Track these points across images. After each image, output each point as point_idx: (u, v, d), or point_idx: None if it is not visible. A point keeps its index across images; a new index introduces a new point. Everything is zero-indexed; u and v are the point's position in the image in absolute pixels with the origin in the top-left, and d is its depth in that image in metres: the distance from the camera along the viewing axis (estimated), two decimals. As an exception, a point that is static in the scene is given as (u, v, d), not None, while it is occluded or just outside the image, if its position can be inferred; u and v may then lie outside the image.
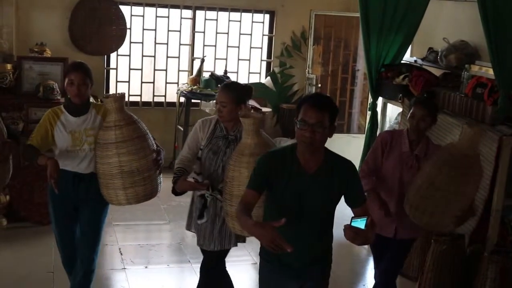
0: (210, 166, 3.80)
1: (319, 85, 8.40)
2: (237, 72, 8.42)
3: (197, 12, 8.17)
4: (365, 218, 2.80)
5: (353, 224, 2.77)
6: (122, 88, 7.98)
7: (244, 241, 3.93)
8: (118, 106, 3.73)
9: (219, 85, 7.86)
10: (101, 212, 4.03)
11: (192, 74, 8.04)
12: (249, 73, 8.52)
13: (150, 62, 8.14)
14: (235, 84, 4.04)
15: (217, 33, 8.27)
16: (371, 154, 4.11)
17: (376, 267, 4.27)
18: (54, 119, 3.85)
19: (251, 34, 8.42)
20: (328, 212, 3.13)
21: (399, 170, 3.98)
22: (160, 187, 3.96)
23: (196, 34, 8.24)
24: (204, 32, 8.23)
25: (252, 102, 7.48)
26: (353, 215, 2.92)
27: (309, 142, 2.90)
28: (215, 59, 8.31)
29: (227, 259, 3.99)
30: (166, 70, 8.17)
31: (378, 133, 6.34)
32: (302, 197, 3.00)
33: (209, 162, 3.80)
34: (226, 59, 8.35)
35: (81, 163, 3.87)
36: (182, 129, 7.67)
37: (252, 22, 8.39)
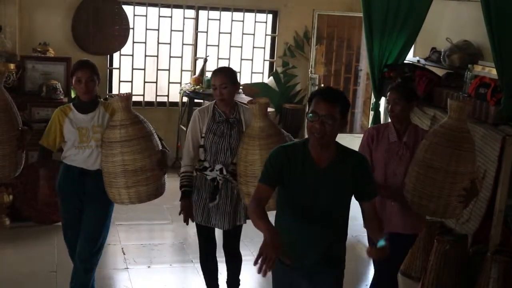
0: (217, 150, 3.92)
1: (322, 85, 8.40)
2: (240, 72, 8.42)
3: (200, 12, 8.18)
4: (385, 236, 2.91)
5: (379, 245, 2.89)
6: (125, 88, 8.00)
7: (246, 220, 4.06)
8: (124, 106, 3.77)
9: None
10: (104, 211, 4.07)
11: (195, 74, 8.05)
12: (252, 73, 8.53)
13: (153, 62, 8.15)
14: (227, 67, 4.22)
15: (220, 33, 8.28)
16: (359, 150, 4.02)
17: (376, 264, 4.20)
18: (62, 116, 3.94)
19: (254, 34, 8.43)
20: (341, 209, 3.09)
21: (391, 161, 3.92)
22: (164, 188, 3.98)
23: (199, 34, 8.25)
24: (207, 32, 8.24)
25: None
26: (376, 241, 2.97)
27: (319, 134, 2.89)
28: (218, 59, 8.33)
29: (220, 260, 4.04)
30: (169, 70, 8.19)
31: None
32: (315, 192, 2.99)
33: (215, 147, 3.92)
34: (229, 59, 8.37)
35: (88, 159, 3.94)
36: (184, 128, 7.66)
37: (255, 22, 8.40)
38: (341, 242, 3.19)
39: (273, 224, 3.09)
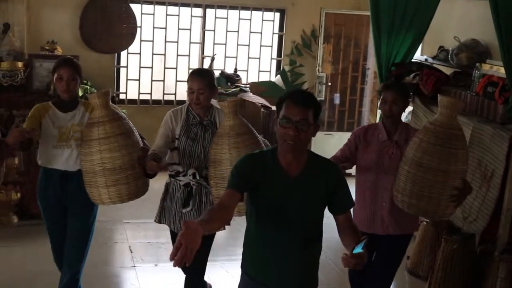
0: (190, 153, 3.80)
1: (329, 84, 8.40)
2: (247, 71, 8.44)
3: (207, 10, 8.18)
4: (363, 242, 2.60)
5: (355, 251, 2.58)
6: (132, 86, 8.02)
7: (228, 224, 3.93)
8: (102, 102, 3.63)
9: (229, 83, 7.89)
10: (88, 216, 3.96)
11: (202, 73, 8.05)
12: (259, 71, 8.53)
13: (160, 60, 8.16)
14: (205, 70, 4.03)
15: (227, 31, 8.29)
16: (343, 147, 3.97)
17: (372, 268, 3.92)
18: (43, 112, 3.81)
19: (261, 33, 8.43)
20: (314, 220, 2.90)
21: (381, 161, 3.82)
22: (147, 187, 3.84)
23: (206, 32, 8.26)
24: (214, 31, 8.25)
25: (261, 101, 7.49)
26: (353, 245, 2.64)
27: (293, 142, 2.72)
28: (225, 57, 8.33)
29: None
30: (176, 68, 8.20)
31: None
32: (286, 203, 2.81)
33: (189, 149, 3.80)
34: (236, 57, 8.37)
35: (69, 159, 3.81)
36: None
37: (262, 20, 8.40)
38: (314, 254, 2.97)
39: (244, 238, 2.98)
